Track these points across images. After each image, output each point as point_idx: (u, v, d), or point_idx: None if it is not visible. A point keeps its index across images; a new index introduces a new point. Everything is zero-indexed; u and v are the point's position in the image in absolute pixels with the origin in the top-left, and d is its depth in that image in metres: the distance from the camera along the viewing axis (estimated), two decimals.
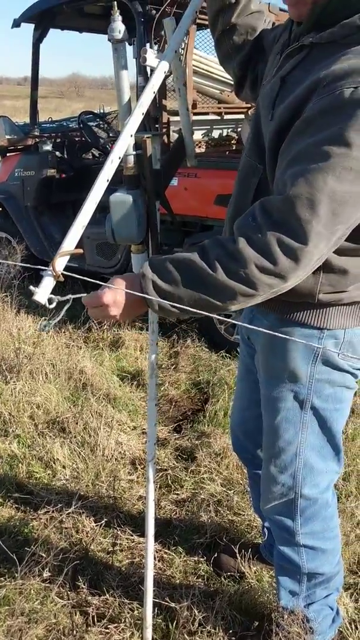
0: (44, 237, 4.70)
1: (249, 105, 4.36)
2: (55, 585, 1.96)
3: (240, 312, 1.45)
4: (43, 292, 1.14)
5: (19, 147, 4.82)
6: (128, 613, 1.91)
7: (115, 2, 1.34)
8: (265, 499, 1.64)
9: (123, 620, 1.89)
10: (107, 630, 1.86)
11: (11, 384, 3.21)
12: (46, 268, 1.16)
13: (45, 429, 2.91)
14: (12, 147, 4.82)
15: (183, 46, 3.70)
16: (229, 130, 4.58)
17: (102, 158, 5.09)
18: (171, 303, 1.19)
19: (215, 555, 2.14)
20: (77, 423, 2.91)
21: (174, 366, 3.64)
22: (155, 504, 2.41)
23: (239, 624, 1.89)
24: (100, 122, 5.28)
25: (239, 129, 4.60)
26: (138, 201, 1.41)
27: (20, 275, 4.24)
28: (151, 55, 1.39)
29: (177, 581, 2.07)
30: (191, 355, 3.73)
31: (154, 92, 1.40)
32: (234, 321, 1.24)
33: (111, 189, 1.37)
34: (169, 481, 2.58)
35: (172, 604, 1.91)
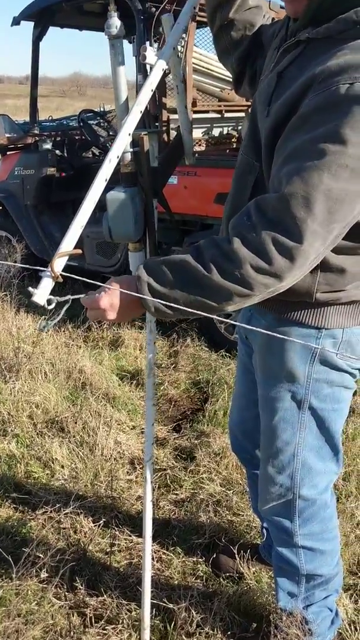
0: (44, 236, 4.69)
1: (249, 103, 4.35)
2: (52, 585, 1.95)
3: (238, 311, 1.43)
4: (42, 293, 1.13)
5: (19, 145, 4.81)
6: (126, 614, 1.90)
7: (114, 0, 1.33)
8: (263, 500, 1.63)
9: (121, 621, 1.88)
10: (104, 632, 1.85)
11: (10, 383, 3.20)
12: (45, 269, 1.15)
13: (44, 428, 2.90)
14: (12, 146, 4.81)
15: (183, 44, 3.68)
16: (230, 129, 4.55)
17: (102, 157, 5.07)
18: (167, 305, 1.18)
19: (214, 555, 2.13)
20: (76, 422, 2.90)
21: (173, 365, 3.62)
22: (153, 504, 2.40)
23: (238, 626, 1.87)
24: (101, 121, 5.26)
25: (240, 127, 4.58)
26: (135, 199, 1.39)
27: (20, 275, 4.23)
28: (151, 53, 1.37)
29: (176, 582, 2.06)
30: (191, 354, 3.72)
31: (152, 90, 1.39)
32: (231, 322, 1.22)
33: (110, 188, 1.35)
34: (168, 481, 2.57)
35: (170, 605, 1.90)
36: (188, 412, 3.19)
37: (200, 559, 2.16)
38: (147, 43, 1.39)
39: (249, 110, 4.63)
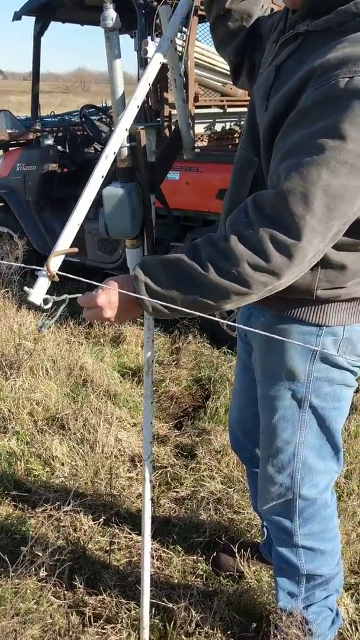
0: (46, 232, 4.67)
1: None
2: (51, 584, 1.94)
3: (238, 308, 1.42)
4: (38, 293, 1.12)
5: (20, 141, 4.79)
6: (125, 613, 1.89)
7: None
8: (262, 499, 1.61)
9: (120, 620, 1.87)
10: (103, 631, 1.84)
11: (11, 380, 3.18)
12: (40, 268, 1.13)
13: (44, 425, 2.89)
14: (14, 142, 4.79)
15: (184, 38, 3.65)
16: (232, 124, 4.52)
17: None
18: (165, 304, 1.17)
19: (214, 554, 2.11)
20: (76, 420, 2.89)
21: (175, 362, 3.61)
22: (154, 502, 2.39)
23: (238, 625, 1.86)
24: (103, 116, 5.23)
25: (242, 122, 4.55)
26: (132, 194, 1.37)
27: (21, 271, 4.21)
28: (152, 48, 1.35)
29: (176, 581, 2.05)
30: (193, 351, 3.70)
31: (149, 84, 1.36)
32: (228, 322, 1.20)
33: (107, 183, 1.33)
34: (169, 479, 2.56)
35: (170, 605, 1.88)
36: (189, 409, 3.18)
37: (200, 558, 2.14)
38: (149, 37, 1.37)
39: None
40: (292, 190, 1.07)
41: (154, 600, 1.88)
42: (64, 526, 2.25)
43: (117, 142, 1.28)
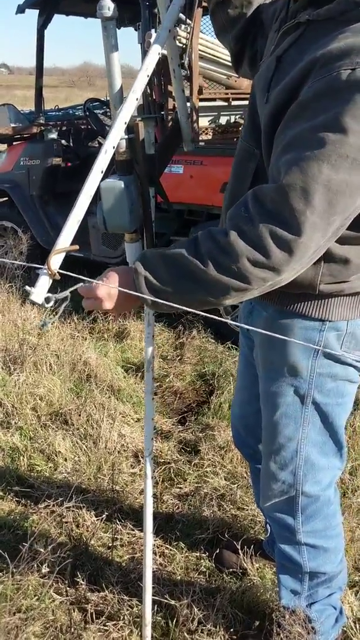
0: (50, 227, 4.65)
1: None
2: (53, 581, 1.93)
3: (240, 302, 1.39)
4: (39, 292, 1.10)
5: (24, 135, 4.77)
6: (127, 610, 1.88)
7: None
8: (265, 496, 1.59)
9: (122, 617, 1.86)
10: (105, 628, 1.83)
11: (15, 375, 3.18)
12: (41, 267, 1.11)
13: (47, 421, 2.88)
14: (18, 136, 4.77)
15: (189, 30, 3.62)
16: (237, 117, 4.49)
17: None
18: (164, 300, 1.15)
19: (218, 551, 2.10)
20: (80, 415, 2.87)
21: (179, 357, 3.59)
22: (157, 498, 2.38)
23: (240, 623, 1.84)
24: (107, 110, 5.20)
25: None
26: (130, 187, 1.34)
27: (25, 266, 4.20)
28: None
29: (178, 577, 2.03)
30: (197, 346, 3.68)
31: (148, 76, 1.33)
32: (227, 320, 1.18)
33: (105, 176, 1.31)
34: (172, 474, 2.54)
35: (172, 602, 1.87)
36: (193, 404, 3.16)
37: (203, 554, 2.13)
38: (153, 30, 1.34)
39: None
40: (292, 185, 1.05)
41: (157, 598, 1.87)
42: (66, 522, 2.24)
43: (117, 136, 1.25)
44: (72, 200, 1.18)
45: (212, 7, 1.53)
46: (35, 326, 3.75)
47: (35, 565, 1.90)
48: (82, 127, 5.05)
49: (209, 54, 4.05)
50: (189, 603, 1.84)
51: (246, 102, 4.39)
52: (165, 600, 1.88)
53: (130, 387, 3.23)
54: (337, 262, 1.27)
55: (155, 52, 1.32)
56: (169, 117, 3.63)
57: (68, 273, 1.15)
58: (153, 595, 1.78)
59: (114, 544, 2.15)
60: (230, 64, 4.18)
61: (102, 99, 5.21)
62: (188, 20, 3.64)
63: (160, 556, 2.12)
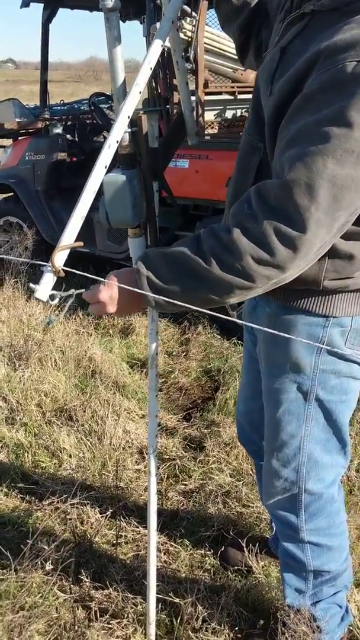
0: (55, 222, 4.64)
1: None
2: (57, 578, 1.92)
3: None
4: (44, 289, 1.10)
5: (29, 130, 4.76)
6: (131, 608, 1.86)
7: None
8: (267, 494, 1.58)
9: (126, 615, 1.84)
10: (109, 626, 1.82)
11: (20, 371, 3.17)
12: (46, 264, 1.10)
13: (52, 417, 2.87)
14: (23, 131, 4.76)
15: (194, 23, 3.58)
16: (243, 111, 4.46)
17: None
18: (167, 299, 1.14)
19: (222, 548, 2.09)
20: (84, 411, 2.86)
21: (184, 353, 3.57)
22: (162, 495, 2.37)
23: (245, 621, 1.83)
24: (112, 104, 5.18)
25: None
26: (133, 182, 1.32)
27: (29, 263, 4.19)
28: None
29: (183, 575, 2.02)
30: (202, 342, 3.66)
31: (151, 69, 1.31)
32: (229, 318, 1.16)
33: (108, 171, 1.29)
34: (177, 471, 2.53)
35: (177, 600, 1.85)
36: (198, 400, 3.14)
37: (208, 552, 2.11)
38: (158, 23, 1.32)
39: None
40: (296, 181, 1.02)
41: (161, 596, 1.85)
42: (70, 519, 2.23)
43: (120, 130, 1.23)
44: (78, 196, 1.17)
45: None
46: (40, 322, 3.74)
47: (39, 563, 1.89)
48: (88, 121, 5.03)
49: (215, 47, 4.01)
50: (194, 601, 1.83)
51: None
52: (170, 598, 1.87)
53: (135, 383, 3.22)
54: (342, 258, 1.25)
55: (158, 44, 1.29)
56: (174, 111, 3.61)
57: (72, 270, 1.14)
58: (157, 593, 1.77)
59: (118, 541, 2.14)
60: (236, 57, 4.16)
61: (108, 93, 5.19)
62: (193, 13, 3.61)
63: (164, 554, 2.11)
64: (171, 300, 1.14)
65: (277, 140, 1.15)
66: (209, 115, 4.20)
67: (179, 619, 1.81)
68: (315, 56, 1.07)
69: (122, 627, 1.81)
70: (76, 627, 1.80)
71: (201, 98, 3.65)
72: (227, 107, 4.38)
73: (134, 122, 1.31)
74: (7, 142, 5.12)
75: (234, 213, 1.12)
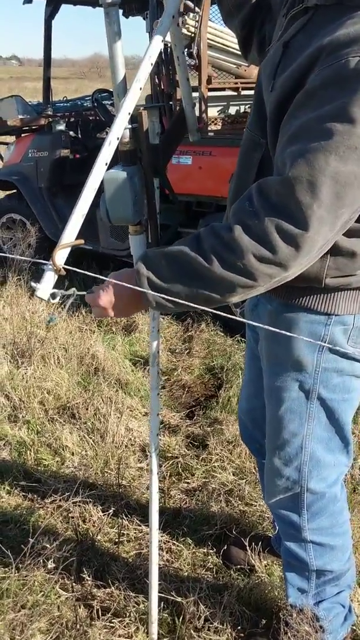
0: (58, 219, 4.63)
1: None
2: (59, 576, 1.91)
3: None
4: (45, 288, 1.09)
5: (32, 127, 4.74)
6: (133, 607, 1.86)
7: None
8: (269, 493, 1.57)
9: (128, 614, 1.84)
10: (111, 625, 1.81)
11: (22, 368, 3.16)
12: (47, 262, 1.09)
13: (55, 414, 2.87)
14: (26, 127, 4.74)
15: (197, 19, 3.56)
16: (247, 107, 4.43)
17: None
18: (169, 299, 1.13)
19: (225, 547, 2.08)
20: (87, 409, 2.86)
21: (187, 351, 3.56)
22: (164, 493, 2.36)
23: (248, 620, 1.82)
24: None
25: None
26: (134, 178, 1.31)
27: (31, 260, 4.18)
28: None
29: (185, 574, 2.01)
30: (205, 339, 3.65)
31: (152, 64, 1.29)
32: (238, 316, 1.15)
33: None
34: (179, 469, 2.52)
35: (179, 599, 1.85)
36: (201, 398, 3.13)
37: (210, 551, 2.11)
38: (160, 18, 1.30)
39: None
40: (298, 178, 1.01)
41: (163, 594, 1.85)
42: (72, 517, 2.22)
43: (121, 127, 1.22)
44: (81, 192, 1.16)
45: None
46: (43, 320, 3.73)
47: (41, 561, 1.89)
48: (90, 118, 5.02)
49: (218, 42, 4.00)
50: (196, 600, 1.82)
51: None
52: (172, 597, 1.86)
53: (138, 380, 3.21)
54: (344, 256, 1.24)
55: (158, 40, 1.28)
56: (177, 107, 3.59)
57: (73, 269, 1.13)
58: (159, 592, 1.76)
59: (121, 539, 2.14)
60: (239, 52, 4.14)
61: (111, 89, 5.17)
62: (197, 9, 3.60)
63: (167, 552, 2.10)
64: (172, 300, 1.13)
65: (279, 136, 1.13)
66: (212, 112, 4.18)
67: (181, 618, 1.81)
68: (318, 51, 1.06)
69: (124, 626, 1.81)
70: (78, 626, 1.80)
71: (204, 94, 3.63)
72: (231, 103, 4.36)
73: (135, 119, 1.30)
74: (10, 139, 5.11)
75: (235, 210, 1.10)
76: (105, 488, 2.38)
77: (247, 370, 1.79)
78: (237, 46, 4.10)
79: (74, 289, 1.15)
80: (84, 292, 1.22)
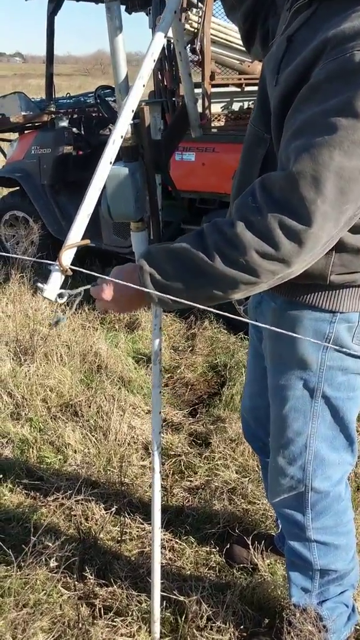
0: (61, 216, 4.62)
1: None
2: (61, 575, 1.91)
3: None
4: (52, 288, 1.09)
5: (35, 123, 4.73)
6: (136, 606, 1.85)
7: None
8: (273, 492, 1.55)
9: (130, 613, 1.83)
10: (113, 624, 1.81)
11: (25, 366, 3.16)
12: (53, 263, 1.09)
13: (57, 412, 2.86)
14: (29, 124, 4.73)
15: (200, 14, 3.55)
16: (250, 103, 4.41)
17: None
18: (171, 297, 1.12)
19: (228, 546, 2.07)
20: (90, 407, 2.85)
21: (190, 348, 3.55)
22: (167, 491, 2.35)
23: (250, 620, 1.81)
24: None
25: None
26: (136, 174, 1.30)
27: (35, 256, 4.17)
28: None
29: (188, 572, 2.00)
30: (208, 337, 3.64)
31: (154, 60, 1.27)
32: (241, 314, 1.14)
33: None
34: (182, 467, 2.51)
35: (181, 598, 1.84)
36: (204, 396, 3.12)
37: (213, 549, 2.10)
38: (162, 14, 1.29)
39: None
40: (302, 173, 0.99)
41: (165, 593, 1.84)
42: (75, 515, 2.22)
43: (124, 125, 1.21)
44: (84, 189, 1.15)
45: None
46: (46, 317, 3.72)
47: (43, 559, 1.89)
48: (94, 114, 4.99)
49: (222, 38, 3.97)
50: (199, 599, 1.81)
51: None
52: (175, 596, 1.85)
53: (141, 378, 3.20)
54: (350, 252, 1.22)
55: (161, 36, 1.26)
56: (181, 103, 3.57)
57: (80, 269, 1.13)
58: (162, 591, 1.75)
59: (123, 537, 2.13)
60: (243, 48, 4.11)
61: (114, 86, 5.15)
62: (200, 4, 3.58)
63: (169, 550, 2.09)
64: (174, 298, 1.12)
65: (283, 130, 1.12)
66: (216, 108, 4.16)
67: (183, 617, 1.80)
68: (322, 45, 1.04)
69: (127, 625, 1.80)
70: (80, 625, 1.79)
71: (207, 90, 3.62)
72: (234, 99, 4.34)
73: (137, 114, 1.28)
74: (13, 135, 5.10)
75: (238, 206, 1.09)
76: (107, 486, 2.37)
77: (250, 369, 1.77)
78: (240, 42, 4.08)
79: (81, 288, 1.14)
80: (89, 286, 1.22)
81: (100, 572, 1.98)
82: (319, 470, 1.46)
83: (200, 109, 3.53)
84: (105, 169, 1.16)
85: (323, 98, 1.01)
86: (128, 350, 3.51)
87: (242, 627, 1.78)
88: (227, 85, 4.24)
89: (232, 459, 2.52)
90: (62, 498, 2.28)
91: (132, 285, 1.14)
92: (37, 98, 5.12)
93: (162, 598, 1.78)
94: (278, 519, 2.00)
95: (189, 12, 3.52)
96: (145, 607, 1.85)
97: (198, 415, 2.92)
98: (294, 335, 1.17)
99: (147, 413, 2.90)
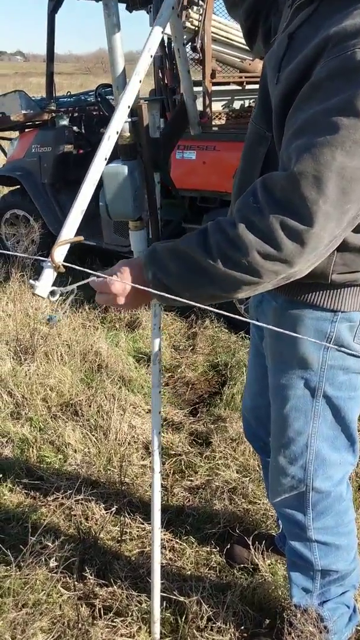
0: (62, 215, 4.61)
1: None
2: (61, 575, 1.90)
3: None
4: (44, 286, 1.07)
5: (36, 122, 4.72)
6: (136, 606, 1.84)
7: None
8: (274, 491, 1.54)
9: (130, 613, 1.82)
10: (113, 624, 1.80)
11: (25, 365, 3.15)
12: (45, 259, 1.07)
13: (58, 412, 2.85)
14: (30, 123, 4.72)
15: (201, 12, 3.53)
16: (251, 101, 4.40)
17: None
18: (174, 296, 1.11)
19: (228, 546, 2.06)
20: (90, 406, 2.84)
21: (191, 347, 3.54)
22: (167, 490, 2.34)
23: (251, 620, 1.80)
24: None
25: None
26: (134, 173, 1.29)
27: (36, 255, 4.16)
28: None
29: (188, 573, 1.99)
30: (209, 336, 3.63)
31: (151, 56, 1.27)
32: (241, 317, 1.13)
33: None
34: (183, 467, 2.50)
35: (182, 598, 1.83)
36: (205, 395, 3.11)
37: (213, 549, 2.09)
38: (160, 10, 1.28)
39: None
40: (303, 173, 0.98)
41: (165, 594, 1.83)
42: (75, 515, 2.21)
43: (120, 121, 1.20)
44: None
45: None
46: (45, 316, 3.72)
47: (43, 559, 1.88)
48: (94, 113, 4.98)
49: (223, 36, 3.97)
50: (199, 599, 1.81)
51: None
52: (175, 597, 1.84)
53: (141, 377, 3.19)
54: (351, 251, 1.21)
55: (158, 32, 1.25)
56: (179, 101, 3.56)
57: (72, 266, 1.11)
58: (162, 591, 1.75)
59: (123, 537, 2.12)
60: (244, 46, 4.10)
61: None
62: (201, 2, 3.56)
63: (170, 551, 2.09)
64: (177, 295, 1.11)
65: (285, 129, 1.11)
66: (217, 106, 4.15)
67: (183, 617, 1.79)
68: (324, 42, 1.03)
69: (126, 625, 1.79)
70: (80, 625, 1.78)
71: (208, 88, 3.60)
72: (235, 97, 4.33)
73: (135, 112, 1.27)
74: (14, 134, 5.09)
75: (240, 206, 1.08)
76: (108, 486, 2.36)
77: (251, 368, 1.76)
78: (241, 40, 4.06)
79: (74, 285, 1.13)
80: (88, 280, 1.19)
81: (100, 572, 1.97)
82: (320, 470, 1.45)
83: (201, 107, 3.52)
84: (100, 165, 1.15)
85: (324, 96, 1.00)
86: (128, 350, 3.50)
87: (242, 627, 1.77)
88: (228, 83, 4.23)
89: (232, 458, 2.51)
90: (62, 498, 2.27)
91: (138, 286, 1.13)
92: (37, 96, 5.12)
93: (162, 598, 1.77)
94: (279, 519, 1.99)
95: (190, 10, 3.51)
96: (145, 607, 1.84)
97: (199, 415, 2.91)
98: (295, 335, 1.16)
99: (147, 412, 2.89)
